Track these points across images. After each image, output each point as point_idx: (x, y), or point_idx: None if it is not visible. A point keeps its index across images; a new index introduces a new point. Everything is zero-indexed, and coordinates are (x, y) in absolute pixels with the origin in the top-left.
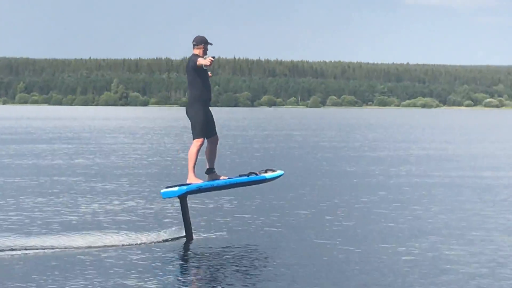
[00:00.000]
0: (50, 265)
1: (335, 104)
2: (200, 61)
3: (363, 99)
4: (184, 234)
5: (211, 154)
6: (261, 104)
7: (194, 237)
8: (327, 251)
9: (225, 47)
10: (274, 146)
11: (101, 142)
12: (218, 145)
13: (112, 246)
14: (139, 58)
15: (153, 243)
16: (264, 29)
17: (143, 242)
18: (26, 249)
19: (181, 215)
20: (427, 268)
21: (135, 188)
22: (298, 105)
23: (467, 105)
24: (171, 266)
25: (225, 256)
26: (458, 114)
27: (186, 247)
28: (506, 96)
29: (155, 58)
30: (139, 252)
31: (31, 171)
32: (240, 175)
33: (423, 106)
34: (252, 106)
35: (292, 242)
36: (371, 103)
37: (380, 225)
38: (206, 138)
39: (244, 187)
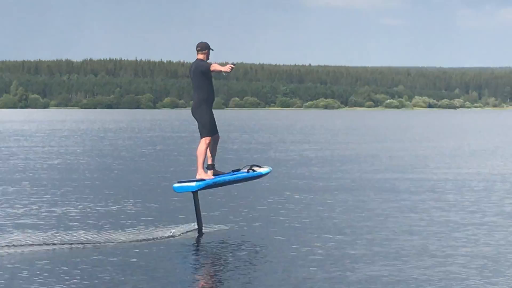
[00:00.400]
0: (71, 261)
1: (238, 106)
2: (218, 67)
3: (265, 100)
4: (196, 227)
5: (213, 151)
6: (163, 106)
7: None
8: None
9: (126, 49)
10: (174, 148)
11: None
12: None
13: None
14: (39, 60)
15: (166, 238)
16: (166, 30)
17: (157, 237)
18: (45, 244)
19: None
20: (333, 267)
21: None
22: None
23: (368, 106)
24: (187, 260)
25: (234, 249)
26: (359, 114)
27: (199, 240)
28: (406, 97)
29: (55, 59)
30: (155, 247)
31: None
32: (234, 171)
33: (325, 107)
34: (155, 108)
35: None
36: (273, 104)
37: (284, 226)
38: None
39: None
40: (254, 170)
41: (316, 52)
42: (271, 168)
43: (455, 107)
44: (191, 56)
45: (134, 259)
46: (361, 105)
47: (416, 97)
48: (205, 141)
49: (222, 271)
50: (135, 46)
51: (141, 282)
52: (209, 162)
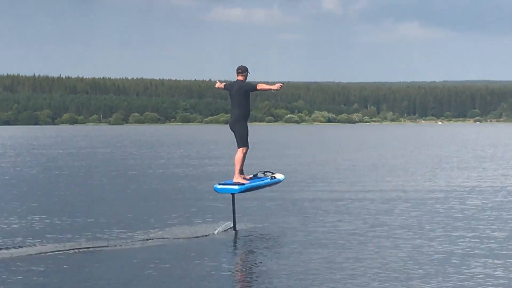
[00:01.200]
0: (123, 257)
1: (138, 121)
2: (266, 86)
3: (166, 115)
4: (232, 225)
5: (244, 159)
6: (62, 122)
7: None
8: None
9: (24, 64)
10: (80, 164)
11: None
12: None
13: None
14: None
15: (206, 235)
16: (64, 46)
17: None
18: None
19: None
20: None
21: None
22: (101, 122)
23: (268, 121)
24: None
25: (265, 244)
26: (259, 129)
27: (235, 236)
28: (306, 112)
29: None
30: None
31: None
32: (256, 176)
33: (226, 122)
34: (53, 124)
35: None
36: (174, 119)
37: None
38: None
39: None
40: (274, 177)
41: (216, 67)
42: (284, 176)
43: (354, 122)
44: (90, 71)
45: (193, 253)
46: (261, 120)
47: (315, 112)
48: (242, 150)
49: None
50: (33, 61)
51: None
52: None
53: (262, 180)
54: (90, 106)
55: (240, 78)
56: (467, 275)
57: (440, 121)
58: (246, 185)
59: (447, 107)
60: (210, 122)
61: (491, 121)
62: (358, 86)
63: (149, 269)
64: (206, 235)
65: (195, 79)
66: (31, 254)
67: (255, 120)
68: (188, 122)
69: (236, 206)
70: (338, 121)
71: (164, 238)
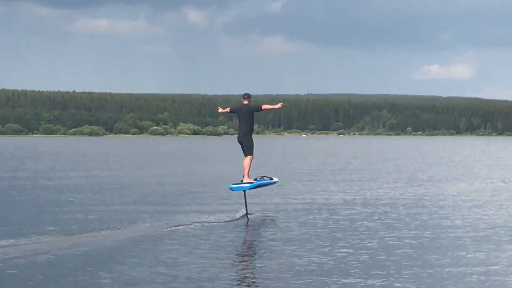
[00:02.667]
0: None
1: (0, 133)
2: (270, 106)
3: (28, 127)
4: (245, 212)
5: (250, 165)
6: None
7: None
8: None
9: None
10: None
11: None
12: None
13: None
14: None
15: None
16: None
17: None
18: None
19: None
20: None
21: None
22: None
23: (134, 133)
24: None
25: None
26: (125, 141)
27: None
28: (171, 124)
29: None
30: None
31: None
32: (262, 178)
33: (90, 134)
34: None
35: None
36: (37, 131)
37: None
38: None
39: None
40: (272, 178)
41: (81, 78)
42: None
43: (219, 134)
44: None
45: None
46: (126, 132)
47: (181, 124)
48: (250, 158)
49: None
50: None
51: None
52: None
53: (264, 181)
54: None
55: (246, 102)
56: None
57: (304, 134)
58: (254, 183)
59: (311, 120)
60: (74, 133)
61: (354, 134)
62: (223, 99)
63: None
64: (231, 220)
65: (59, 90)
66: None
67: (120, 132)
68: (52, 134)
69: (246, 199)
70: (204, 133)
71: (202, 222)
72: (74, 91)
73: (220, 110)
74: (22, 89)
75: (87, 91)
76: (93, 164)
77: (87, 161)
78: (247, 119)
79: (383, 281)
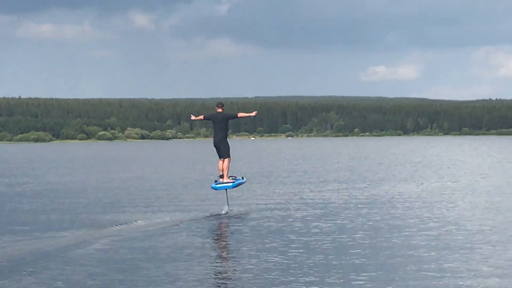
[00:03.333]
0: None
1: None
2: (245, 114)
3: None
4: (228, 208)
5: (228, 166)
6: None
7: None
8: None
9: None
10: None
11: None
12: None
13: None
14: None
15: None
16: None
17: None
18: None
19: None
20: None
21: None
22: None
23: (81, 138)
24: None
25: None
26: (71, 147)
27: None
28: (119, 129)
29: None
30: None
31: None
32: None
33: (36, 140)
34: None
35: None
36: None
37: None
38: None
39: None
40: (242, 178)
41: (26, 84)
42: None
43: (167, 138)
44: None
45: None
46: (73, 138)
47: (128, 128)
48: (228, 160)
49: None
50: None
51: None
52: (220, 173)
53: (239, 181)
54: None
55: (220, 110)
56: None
57: (253, 137)
58: (235, 183)
59: (259, 123)
60: (20, 140)
61: (302, 136)
62: (171, 103)
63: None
64: (219, 214)
65: (4, 96)
66: None
67: (67, 137)
68: None
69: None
70: (152, 138)
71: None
72: (20, 97)
73: (193, 117)
74: None
75: (33, 97)
76: (52, 169)
77: (41, 167)
78: (223, 126)
79: (339, 280)
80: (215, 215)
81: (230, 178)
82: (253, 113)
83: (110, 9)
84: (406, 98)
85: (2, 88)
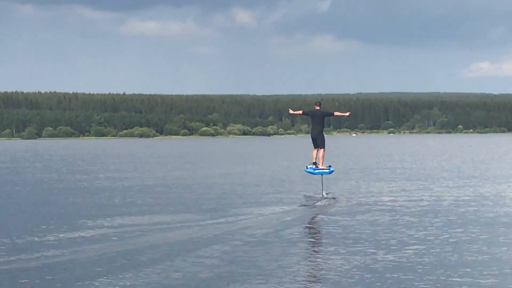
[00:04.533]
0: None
1: (51, 136)
2: (340, 113)
3: (79, 129)
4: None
5: (320, 156)
6: None
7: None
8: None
9: None
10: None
11: None
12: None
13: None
14: None
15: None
16: None
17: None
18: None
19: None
20: None
21: None
22: (13, 137)
23: (184, 134)
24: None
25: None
26: (176, 143)
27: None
28: (221, 125)
29: None
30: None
31: None
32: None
33: (140, 135)
34: None
35: None
36: (88, 133)
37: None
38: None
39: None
40: (330, 167)
41: (130, 80)
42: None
43: (269, 134)
44: (2, 85)
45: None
46: (176, 133)
47: (230, 124)
48: (323, 150)
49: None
50: None
51: None
52: (314, 161)
53: (332, 169)
54: (2, 120)
55: (318, 108)
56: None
57: (354, 133)
58: (330, 170)
59: (361, 119)
60: (125, 135)
61: (404, 132)
62: (273, 99)
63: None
64: (320, 197)
65: (109, 93)
66: None
67: (170, 133)
68: (102, 136)
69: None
70: (253, 134)
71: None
72: (124, 93)
73: (291, 111)
74: (73, 92)
75: (137, 93)
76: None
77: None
78: (321, 121)
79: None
80: (316, 203)
81: (324, 166)
82: (347, 113)
83: (213, 6)
84: (511, 95)
85: (107, 84)
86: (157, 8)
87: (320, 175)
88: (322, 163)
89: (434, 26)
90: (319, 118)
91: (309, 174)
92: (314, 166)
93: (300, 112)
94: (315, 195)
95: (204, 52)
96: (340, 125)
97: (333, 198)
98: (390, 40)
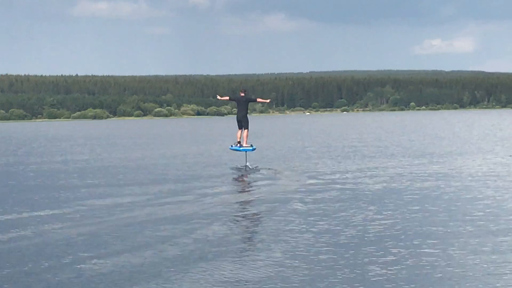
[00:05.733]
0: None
1: (3, 118)
2: (262, 100)
3: (32, 112)
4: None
5: (244, 136)
6: None
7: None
8: None
9: None
10: None
11: None
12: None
13: None
14: None
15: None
16: None
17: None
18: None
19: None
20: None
21: None
22: None
23: (137, 115)
24: None
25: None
26: (128, 124)
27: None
28: (175, 105)
29: None
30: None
31: None
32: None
33: (94, 117)
34: None
35: None
36: (41, 116)
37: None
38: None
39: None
40: (252, 145)
41: (83, 62)
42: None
43: (223, 114)
44: None
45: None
46: (130, 115)
47: (184, 105)
48: (247, 131)
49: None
50: None
51: None
52: (238, 140)
53: (254, 147)
54: None
55: (243, 94)
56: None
57: (308, 112)
58: (253, 148)
59: (314, 98)
60: (78, 117)
61: (357, 110)
62: (226, 79)
63: None
64: (244, 167)
65: (62, 75)
66: None
67: (124, 114)
68: (55, 118)
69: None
70: (208, 114)
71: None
72: (77, 75)
73: (219, 97)
74: (24, 74)
75: (90, 74)
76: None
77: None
78: (245, 106)
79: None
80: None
81: (247, 145)
82: (268, 100)
83: None
84: (463, 71)
85: (59, 66)
86: None
87: (244, 152)
88: (246, 142)
89: (386, 3)
90: (243, 104)
91: (234, 151)
92: (238, 145)
93: (227, 98)
94: (241, 167)
95: (156, 32)
96: (294, 104)
97: (256, 168)
98: (342, 18)
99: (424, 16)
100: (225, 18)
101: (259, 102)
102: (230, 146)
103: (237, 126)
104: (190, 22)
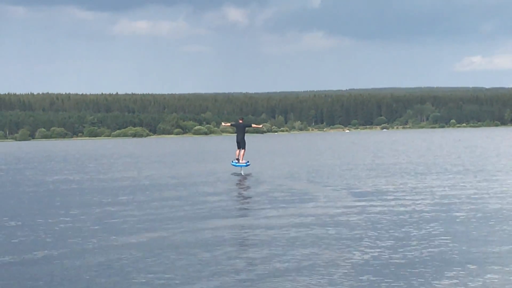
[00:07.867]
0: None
1: (44, 137)
2: (256, 125)
3: (73, 130)
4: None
5: (240, 154)
6: None
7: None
8: None
9: None
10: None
11: None
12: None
13: None
14: None
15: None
16: None
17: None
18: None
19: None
20: None
21: None
22: (7, 138)
23: (177, 133)
24: None
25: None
26: (168, 142)
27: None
28: (214, 123)
29: None
30: None
31: None
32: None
33: (134, 135)
34: None
35: None
36: (81, 134)
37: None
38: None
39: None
40: (248, 161)
41: (123, 80)
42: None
43: (262, 132)
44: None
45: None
46: (169, 133)
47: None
48: (244, 150)
49: None
50: None
51: None
52: (238, 157)
53: (248, 163)
54: None
55: (241, 121)
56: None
57: (348, 129)
58: (247, 163)
59: (353, 115)
60: (118, 135)
61: (397, 127)
62: (265, 96)
63: None
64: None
65: (102, 93)
66: None
67: (163, 132)
68: (96, 136)
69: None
70: (247, 132)
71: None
72: (117, 93)
73: (223, 124)
74: (65, 93)
75: (130, 92)
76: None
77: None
78: (242, 130)
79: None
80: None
81: (244, 161)
82: (260, 125)
83: (204, 4)
84: (503, 88)
85: (99, 84)
86: (148, 7)
87: (240, 167)
88: (242, 159)
89: (426, 20)
90: (241, 129)
91: (234, 166)
92: (236, 161)
93: (229, 124)
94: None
95: (196, 50)
96: (333, 121)
97: (250, 175)
98: (381, 35)
99: (464, 33)
100: (264, 36)
101: (254, 127)
102: (231, 162)
103: (236, 146)
104: (229, 40)
